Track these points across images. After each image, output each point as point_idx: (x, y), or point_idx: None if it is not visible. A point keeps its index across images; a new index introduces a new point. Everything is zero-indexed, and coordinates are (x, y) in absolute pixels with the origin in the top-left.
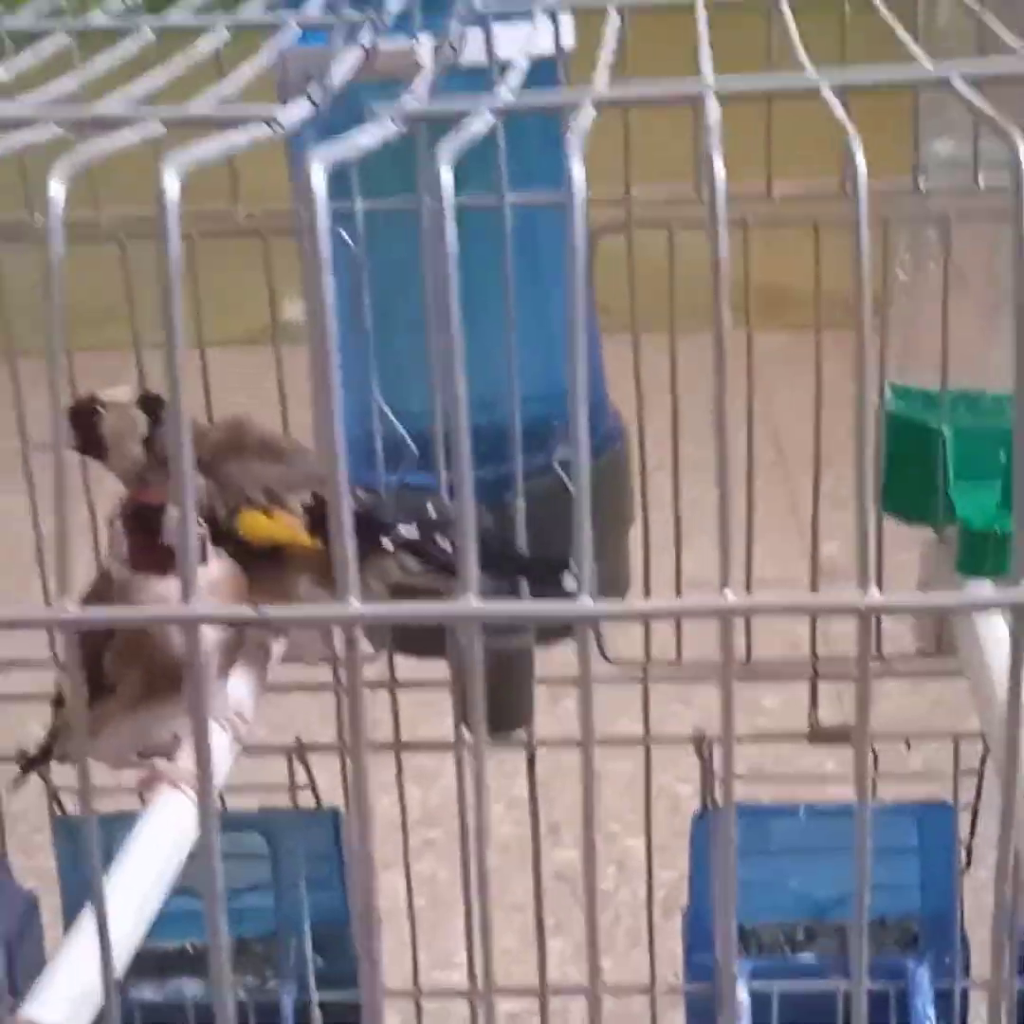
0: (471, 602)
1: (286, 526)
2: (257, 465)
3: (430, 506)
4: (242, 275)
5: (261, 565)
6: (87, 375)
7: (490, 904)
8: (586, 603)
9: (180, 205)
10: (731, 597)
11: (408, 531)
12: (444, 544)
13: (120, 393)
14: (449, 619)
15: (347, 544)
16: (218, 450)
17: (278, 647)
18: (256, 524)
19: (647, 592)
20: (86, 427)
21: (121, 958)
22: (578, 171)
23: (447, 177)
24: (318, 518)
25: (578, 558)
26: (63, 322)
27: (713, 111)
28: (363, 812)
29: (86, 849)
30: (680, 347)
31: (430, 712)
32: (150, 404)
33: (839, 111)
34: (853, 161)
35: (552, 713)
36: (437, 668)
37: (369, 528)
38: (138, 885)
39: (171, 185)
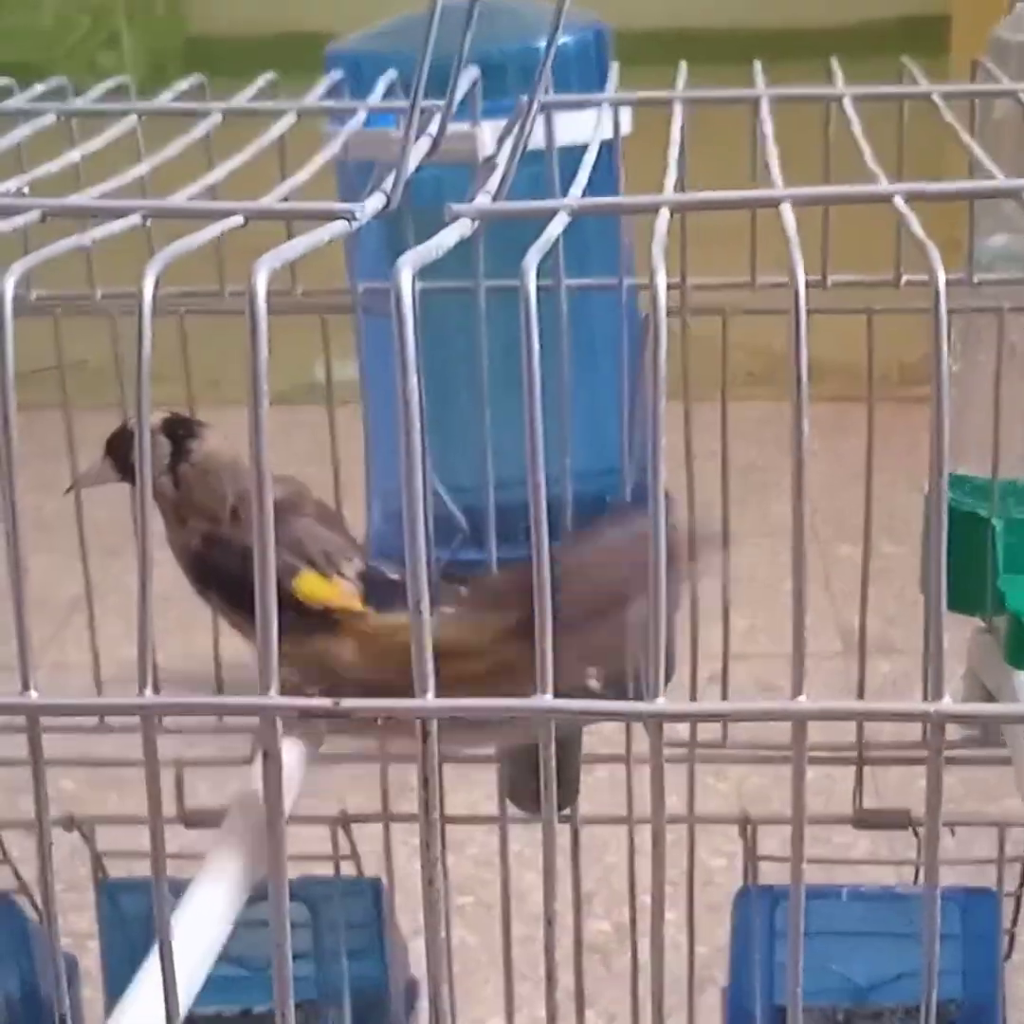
0: (546, 699)
1: (343, 592)
2: (317, 527)
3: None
4: (273, 336)
5: (311, 628)
6: None
7: (555, 989)
8: (658, 704)
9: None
10: (805, 702)
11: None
12: None
13: (153, 418)
14: (524, 713)
15: (425, 637)
16: (278, 507)
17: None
18: (315, 587)
19: (694, 670)
20: (120, 456)
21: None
22: (661, 278)
23: (531, 285)
24: (372, 587)
25: (650, 653)
26: (148, 403)
27: (790, 220)
28: (433, 900)
29: (134, 912)
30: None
31: (459, 782)
32: (174, 428)
33: (915, 226)
34: (933, 274)
35: (584, 783)
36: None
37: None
38: (188, 952)
39: (260, 285)
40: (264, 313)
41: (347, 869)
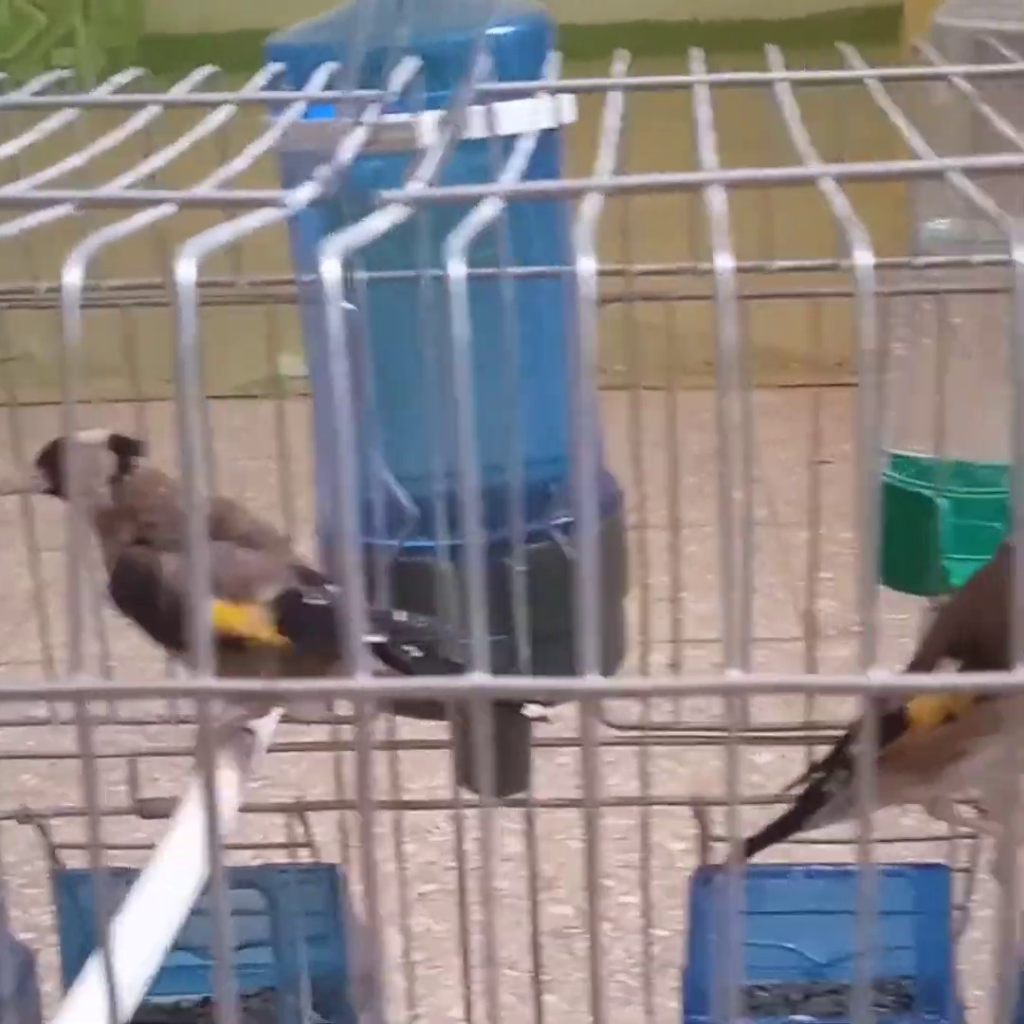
0: (479, 678)
1: (250, 618)
2: (238, 551)
3: (400, 615)
4: (232, 329)
5: (223, 655)
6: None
7: (497, 973)
8: (592, 680)
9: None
10: (735, 676)
11: (378, 637)
12: (411, 650)
13: (93, 435)
14: (457, 694)
15: (357, 620)
16: None
17: (266, 735)
18: (219, 613)
19: (644, 654)
20: (53, 468)
21: (124, 1015)
22: (586, 265)
23: (459, 271)
24: (288, 613)
25: (584, 632)
26: (74, 390)
27: (718, 202)
28: (371, 879)
29: (91, 905)
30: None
31: (422, 769)
32: (119, 445)
33: (840, 206)
34: (853, 254)
35: (546, 771)
36: (435, 728)
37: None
38: (141, 942)
39: (186, 273)
40: (192, 301)
41: (305, 857)
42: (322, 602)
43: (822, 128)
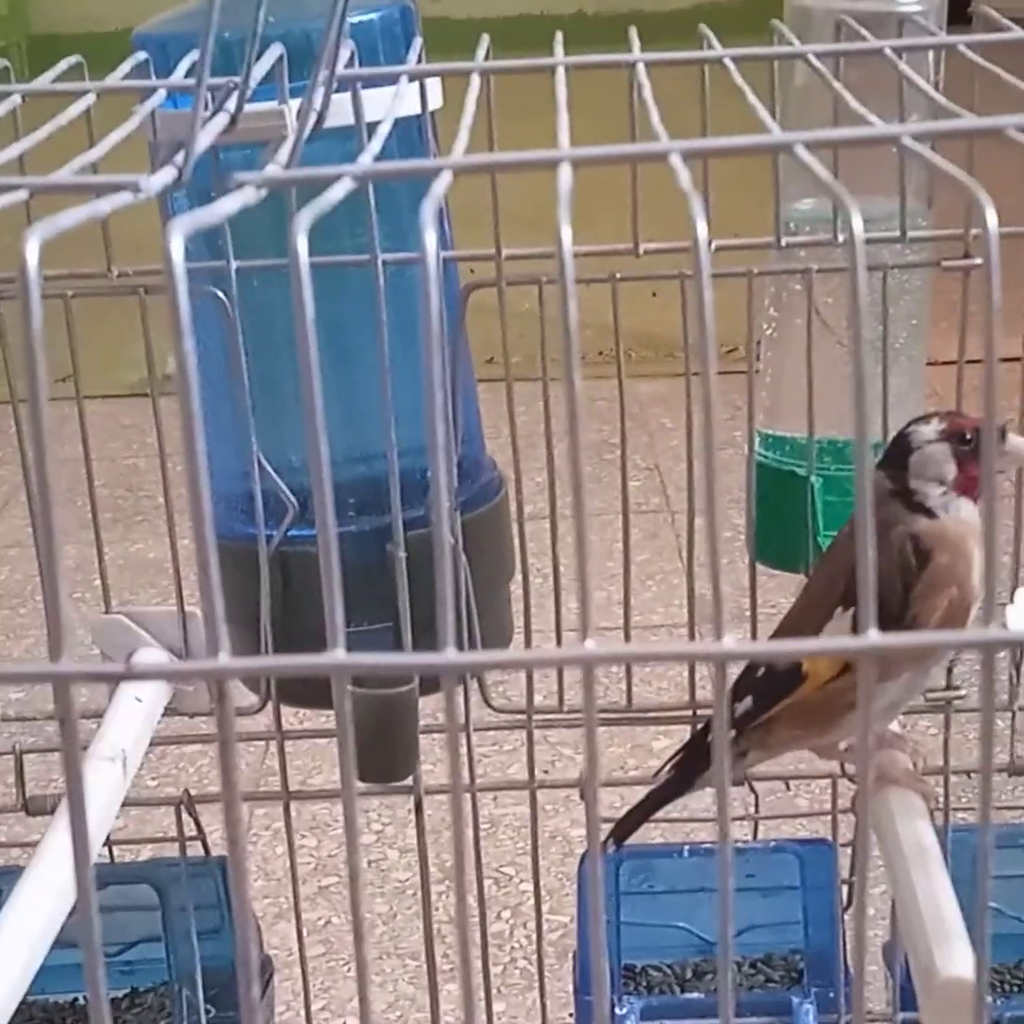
0: (339, 654)
1: None
2: None
3: None
4: (125, 327)
5: None
6: None
7: (365, 953)
8: (450, 655)
9: (55, 267)
10: (591, 646)
11: None
12: None
13: None
14: (317, 670)
15: (217, 602)
16: None
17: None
18: None
19: (528, 641)
20: None
21: (3, 1012)
22: (430, 239)
23: (302, 246)
24: None
25: (443, 607)
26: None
27: (566, 178)
28: (237, 867)
29: None
30: (555, 394)
31: (324, 763)
32: None
33: (683, 178)
34: (694, 226)
35: (445, 761)
36: (328, 718)
37: None
38: (22, 938)
39: (31, 257)
40: (37, 284)
41: (195, 851)
42: None
43: (692, 112)
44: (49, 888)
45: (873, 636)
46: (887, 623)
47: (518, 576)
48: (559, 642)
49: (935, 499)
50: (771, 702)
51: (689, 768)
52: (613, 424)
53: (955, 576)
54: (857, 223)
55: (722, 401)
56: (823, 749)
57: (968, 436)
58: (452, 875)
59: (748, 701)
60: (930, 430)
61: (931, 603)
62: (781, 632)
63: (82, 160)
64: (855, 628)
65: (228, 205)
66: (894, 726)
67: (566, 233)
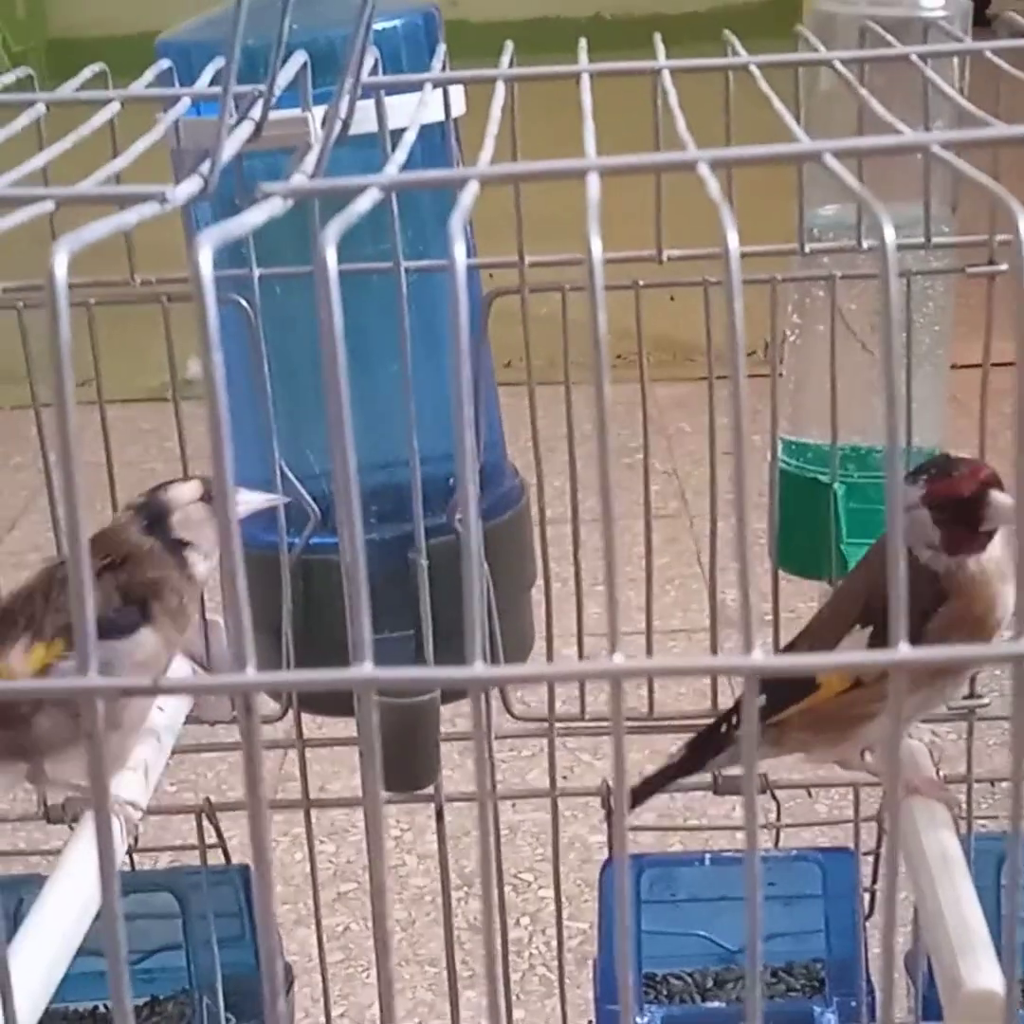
0: (366, 668)
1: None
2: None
3: None
4: (147, 332)
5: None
6: None
7: (391, 961)
8: (478, 668)
9: (78, 274)
10: (619, 660)
11: None
12: None
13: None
14: (345, 684)
15: (243, 614)
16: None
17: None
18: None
19: (549, 648)
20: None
21: (28, 1020)
22: (459, 251)
23: (332, 259)
24: None
25: (471, 621)
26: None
27: (594, 188)
28: (263, 880)
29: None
30: (576, 399)
31: (343, 768)
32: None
33: (713, 188)
34: (724, 237)
35: (464, 767)
36: (347, 725)
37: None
38: (46, 946)
39: (60, 269)
40: (65, 296)
41: (215, 858)
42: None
43: (713, 115)
44: (72, 897)
45: (904, 649)
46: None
47: (539, 581)
48: (580, 648)
49: (929, 557)
50: (783, 704)
51: (703, 750)
52: (632, 428)
53: (969, 619)
54: (889, 232)
55: (744, 405)
56: (843, 759)
57: (945, 506)
58: (471, 881)
59: (762, 698)
60: (914, 492)
61: (942, 641)
62: (800, 641)
63: (107, 170)
64: (871, 645)
65: (254, 216)
66: (923, 734)
67: (597, 245)
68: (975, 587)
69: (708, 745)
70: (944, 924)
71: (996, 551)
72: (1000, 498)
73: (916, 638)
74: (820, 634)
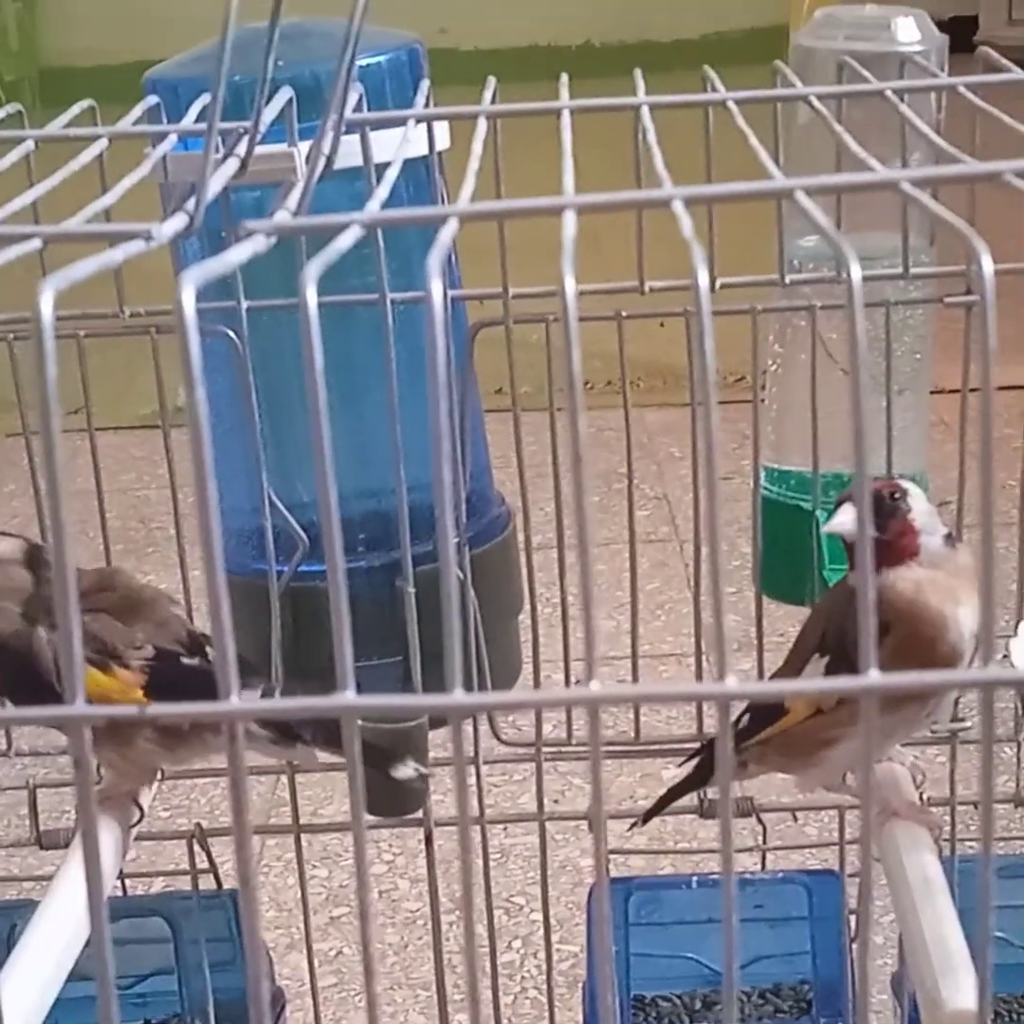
0: (349, 696)
1: (120, 683)
2: (104, 620)
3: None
4: (137, 360)
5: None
6: None
7: (375, 984)
8: (458, 696)
9: (67, 307)
10: (596, 687)
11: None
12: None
13: (4, 549)
14: (328, 712)
15: (228, 644)
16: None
17: (146, 798)
18: (91, 680)
19: (536, 674)
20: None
21: None
22: (436, 288)
23: (312, 298)
24: (155, 675)
25: (450, 649)
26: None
27: (570, 226)
28: (249, 906)
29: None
30: (561, 427)
31: (336, 793)
32: (35, 560)
33: (685, 227)
34: (695, 275)
35: (455, 792)
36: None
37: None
38: (37, 971)
39: (46, 308)
40: (51, 334)
41: (207, 883)
42: (195, 663)
43: (696, 146)
44: (64, 922)
45: (873, 676)
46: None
47: (527, 606)
48: (567, 674)
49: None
50: (760, 727)
51: (706, 766)
52: (621, 454)
53: (917, 644)
54: (855, 271)
55: (730, 430)
56: (829, 782)
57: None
58: (462, 905)
59: (745, 719)
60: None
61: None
62: (782, 668)
63: (95, 207)
64: (827, 674)
65: (238, 254)
66: (906, 758)
67: (570, 284)
68: (915, 608)
69: (710, 761)
70: (925, 946)
71: (939, 571)
72: (906, 487)
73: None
74: (791, 662)
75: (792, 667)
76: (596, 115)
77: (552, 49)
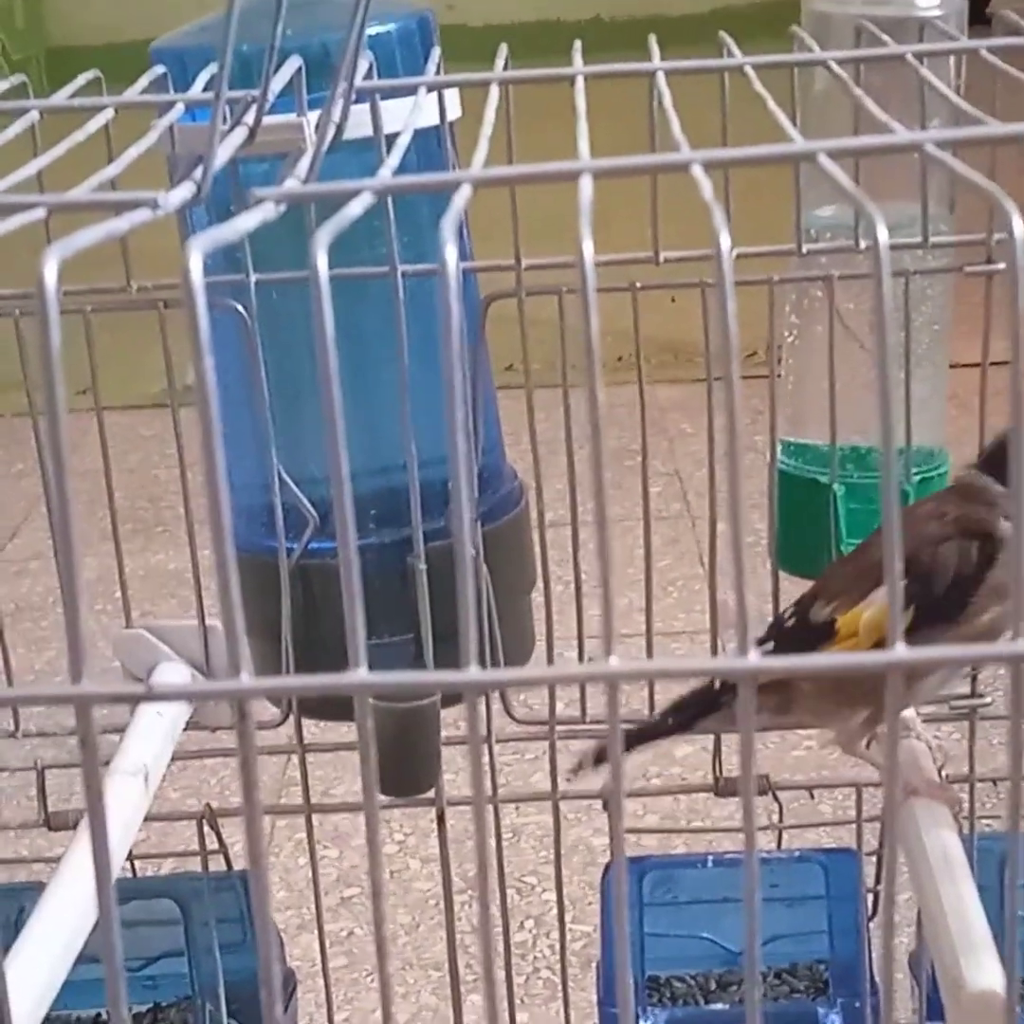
0: (361, 673)
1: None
2: None
3: None
4: (145, 338)
5: None
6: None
7: (388, 965)
8: (473, 673)
9: (74, 282)
10: (615, 663)
11: None
12: None
13: None
14: (340, 689)
15: (237, 622)
16: None
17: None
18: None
19: (550, 651)
20: None
21: None
22: (451, 254)
23: (323, 265)
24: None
25: (465, 624)
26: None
27: (586, 190)
28: (259, 886)
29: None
30: (575, 402)
31: (346, 773)
32: None
33: (706, 190)
34: (716, 239)
35: (467, 771)
36: (350, 730)
37: None
38: (45, 953)
39: (50, 277)
40: (56, 304)
41: (217, 864)
42: None
43: (712, 117)
44: (72, 903)
45: (900, 650)
46: (949, 610)
47: (540, 583)
48: (581, 651)
49: (984, 516)
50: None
51: (692, 709)
52: (633, 430)
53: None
54: (882, 233)
55: (744, 406)
56: (845, 744)
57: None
58: (474, 885)
59: (769, 647)
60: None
61: (987, 605)
62: (825, 585)
63: (101, 176)
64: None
65: (247, 221)
66: (927, 734)
67: (588, 248)
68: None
69: (697, 706)
70: (946, 924)
71: None
72: None
73: (964, 601)
74: (849, 584)
75: (848, 591)
76: (609, 88)
77: (561, 24)
